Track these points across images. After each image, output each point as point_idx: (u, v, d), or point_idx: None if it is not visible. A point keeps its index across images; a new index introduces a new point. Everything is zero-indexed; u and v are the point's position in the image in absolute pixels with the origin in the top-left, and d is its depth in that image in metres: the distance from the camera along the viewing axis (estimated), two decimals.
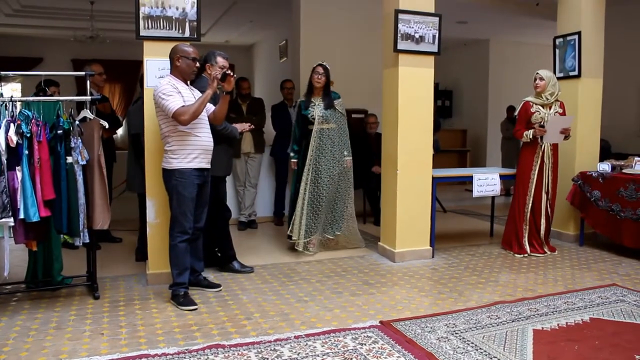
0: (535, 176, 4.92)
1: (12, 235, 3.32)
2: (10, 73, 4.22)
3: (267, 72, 10.87)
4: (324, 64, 4.90)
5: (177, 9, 3.99)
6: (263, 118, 6.22)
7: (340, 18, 7.37)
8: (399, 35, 4.50)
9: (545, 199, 4.96)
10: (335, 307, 3.52)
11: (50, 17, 9.45)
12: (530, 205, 4.94)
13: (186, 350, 2.77)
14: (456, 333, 3.04)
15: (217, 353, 2.75)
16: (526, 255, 4.91)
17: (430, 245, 4.83)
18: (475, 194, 5.02)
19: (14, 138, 3.20)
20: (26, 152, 3.26)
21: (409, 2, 4.54)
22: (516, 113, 5.07)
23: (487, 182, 5.03)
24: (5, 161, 3.20)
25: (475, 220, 6.86)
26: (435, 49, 4.64)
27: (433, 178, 4.80)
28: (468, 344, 2.88)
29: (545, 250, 5.01)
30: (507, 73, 10.97)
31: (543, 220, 4.99)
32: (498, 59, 11.18)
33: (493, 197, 5.84)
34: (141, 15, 3.90)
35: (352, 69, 7.19)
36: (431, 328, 3.12)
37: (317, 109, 4.88)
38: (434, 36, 4.62)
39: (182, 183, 3.52)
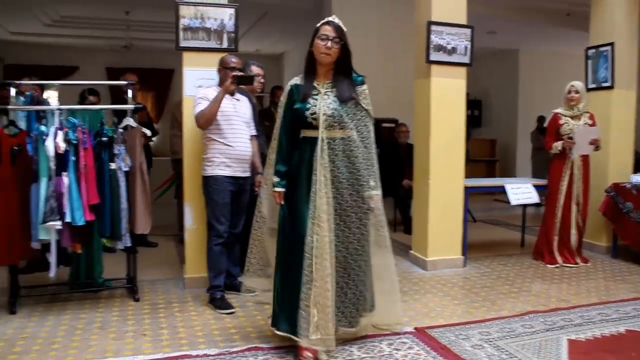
0: (565, 187, 4.91)
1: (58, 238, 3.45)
2: (55, 82, 4.42)
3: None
4: (336, 21, 2.84)
5: (215, 20, 4.11)
6: None
7: (370, 27, 7.45)
8: (431, 46, 4.55)
9: (575, 210, 4.94)
10: None
11: (86, 27, 9.73)
12: (559, 216, 4.93)
13: (226, 352, 2.86)
14: (490, 341, 3.07)
15: (257, 356, 2.82)
16: (558, 265, 4.89)
17: (462, 254, 4.85)
18: (513, 202, 5.01)
19: (61, 145, 3.34)
20: (73, 158, 3.39)
21: (441, 13, 4.59)
22: (546, 124, 5.08)
23: (521, 190, 5.04)
24: (54, 167, 3.34)
25: (506, 230, 6.84)
26: (467, 60, 4.68)
27: (465, 188, 4.83)
28: (502, 352, 2.91)
29: (578, 261, 4.98)
30: (538, 83, 10.92)
31: (574, 231, 4.97)
32: (528, 69, 11.14)
33: (524, 208, 5.83)
34: (181, 26, 4.02)
35: (383, 78, 7.23)
36: (465, 336, 3.15)
37: (322, 102, 2.80)
38: (466, 47, 4.66)
39: (215, 190, 3.62)
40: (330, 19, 2.86)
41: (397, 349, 2.92)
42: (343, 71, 2.85)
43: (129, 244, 3.66)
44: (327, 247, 2.70)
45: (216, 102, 3.54)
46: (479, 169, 10.59)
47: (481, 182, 5.43)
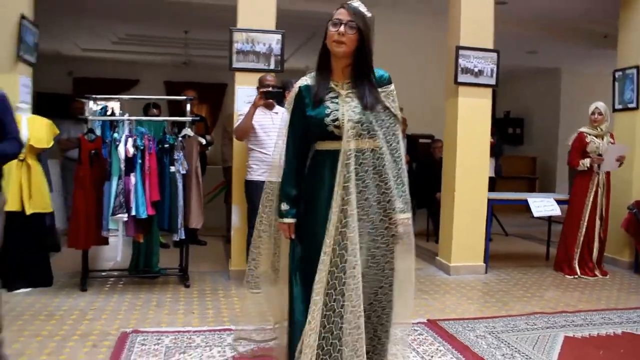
0: (590, 202, 5.21)
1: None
2: (125, 97, 5.09)
3: None
4: (354, 4, 2.27)
5: (264, 45, 4.67)
6: None
7: (411, 44, 7.84)
8: (459, 69, 4.98)
9: (598, 225, 5.23)
10: None
11: (148, 45, 10.56)
12: (583, 230, 5.22)
13: (261, 328, 3.36)
14: (493, 333, 3.46)
15: None
16: (576, 276, 5.18)
17: (484, 262, 5.20)
18: (536, 214, 5.34)
19: (131, 150, 3.96)
20: (139, 161, 4.00)
21: (470, 38, 5.01)
22: (569, 142, 5.40)
23: (543, 203, 5.36)
24: (124, 168, 3.95)
25: (535, 244, 7.11)
26: (493, 81, 5.08)
27: (488, 200, 5.20)
28: (502, 342, 3.30)
29: (597, 273, 5.25)
30: (579, 102, 10.99)
31: (596, 244, 5.26)
32: (570, 88, 11.30)
33: (550, 223, 6.12)
34: (234, 50, 4.61)
35: (420, 96, 7.62)
36: (471, 328, 3.55)
37: (345, 106, 2.26)
38: (492, 70, 5.06)
39: (253, 193, 4.14)
40: (346, 1, 2.26)
41: (407, 334, 3.36)
42: (363, 68, 2.25)
43: (183, 237, 4.23)
44: (360, 298, 2.14)
45: (247, 117, 4.15)
46: (519, 186, 10.77)
47: (505, 196, 5.78)
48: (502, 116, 12.63)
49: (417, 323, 3.60)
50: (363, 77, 2.26)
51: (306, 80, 2.34)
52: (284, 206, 2.32)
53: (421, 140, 7.69)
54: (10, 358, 2.78)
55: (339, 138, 2.22)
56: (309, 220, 2.29)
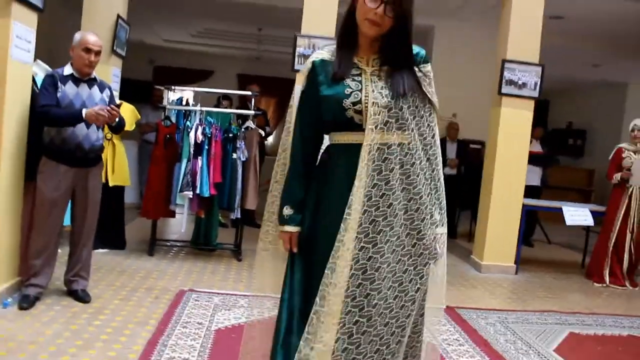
0: (622, 215, 5.43)
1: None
2: (198, 89, 5.74)
3: None
4: None
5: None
6: None
7: (467, 53, 8.09)
8: (503, 81, 5.32)
9: (629, 237, 5.44)
10: None
11: (224, 39, 11.30)
12: (613, 241, 5.44)
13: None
14: (503, 323, 3.84)
15: None
16: (605, 285, 5.41)
17: (515, 263, 5.52)
18: (569, 222, 5.60)
19: (200, 137, 4.57)
20: (206, 147, 4.61)
21: (516, 53, 5.33)
22: (610, 157, 5.63)
23: (577, 213, 5.61)
24: (192, 152, 4.58)
25: (575, 253, 7.25)
26: (535, 94, 5.38)
27: (523, 205, 5.51)
28: (508, 330, 3.68)
29: (626, 284, 5.45)
30: None
31: (626, 256, 5.46)
32: (636, 102, 11.18)
33: (587, 233, 6.33)
34: (297, 53, 5.14)
35: (474, 103, 7.89)
36: (485, 317, 3.94)
37: (371, 86, 1.80)
38: (535, 83, 5.36)
39: None
40: None
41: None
42: (396, 47, 1.78)
43: (238, 216, 4.82)
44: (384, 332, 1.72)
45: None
46: (573, 197, 10.80)
47: (540, 203, 6.05)
48: (564, 127, 12.61)
49: None
50: (399, 57, 1.79)
51: (323, 53, 1.87)
52: (287, 210, 1.85)
53: (472, 146, 7.98)
54: (92, 299, 3.46)
55: (359, 128, 1.76)
56: (316, 232, 1.84)
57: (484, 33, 7.86)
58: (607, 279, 5.46)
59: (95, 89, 3.37)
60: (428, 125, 1.84)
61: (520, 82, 5.36)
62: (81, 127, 3.23)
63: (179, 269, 4.49)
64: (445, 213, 1.84)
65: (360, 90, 1.78)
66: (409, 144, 1.78)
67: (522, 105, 5.41)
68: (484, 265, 5.46)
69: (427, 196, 1.79)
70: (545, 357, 3.25)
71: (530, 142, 6.73)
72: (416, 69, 1.83)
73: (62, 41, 4.66)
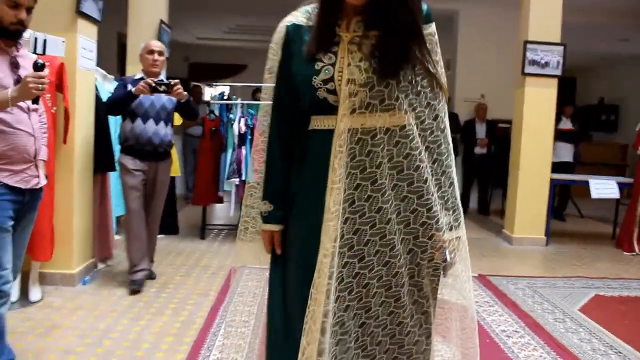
0: None
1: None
2: (236, 84, 6.13)
3: None
4: None
5: None
6: None
7: (492, 34, 8.23)
8: (526, 61, 5.54)
9: None
10: None
11: (257, 34, 11.68)
12: (639, 209, 5.63)
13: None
14: (532, 288, 4.13)
15: None
16: (634, 253, 5.61)
17: (545, 235, 5.76)
18: (594, 195, 5.80)
19: (242, 127, 4.96)
20: (249, 137, 5.00)
21: (538, 33, 5.54)
22: (638, 128, 5.80)
23: (603, 186, 5.81)
24: (237, 142, 4.97)
25: (607, 226, 7.41)
26: (558, 72, 5.58)
27: (551, 179, 5.74)
28: (536, 293, 3.97)
29: None
30: None
31: None
32: None
33: (617, 204, 6.50)
34: None
35: (502, 83, 8.05)
36: (514, 282, 4.24)
37: (347, 58, 1.42)
38: (558, 62, 5.56)
39: None
40: None
41: None
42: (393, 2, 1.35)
43: None
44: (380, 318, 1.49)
45: None
46: (605, 172, 10.86)
47: (567, 177, 6.26)
48: (595, 103, 12.60)
49: None
50: (395, 14, 1.35)
51: (296, 15, 1.54)
52: (266, 206, 1.61)
53: (500, 125, 8.18)
54: (157, 276, 3.90)
55: (336, 110, 1.44)
56: (298, 230, 1.56)
57: (508, 15, 8.02)
58: (636, 247, 5.65)
59: None
60: (428, 104, 1.47)
61: (542, 62, 5.57)
62: (150, 123, 3.63)
63: (229, 249, 4.90)
64: (458, 213, 1.51)
65: (334, 65, 1.42)
66: (400, 129, 1.44)
67: (546, 84, 5.62)
68: (515, 238, 5.72)
69: (431, 196, 1.45)
70: (569, 315, 3.54)
71: (561, 119, 6.97)
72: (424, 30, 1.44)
73: (104, 47, 5.11)
